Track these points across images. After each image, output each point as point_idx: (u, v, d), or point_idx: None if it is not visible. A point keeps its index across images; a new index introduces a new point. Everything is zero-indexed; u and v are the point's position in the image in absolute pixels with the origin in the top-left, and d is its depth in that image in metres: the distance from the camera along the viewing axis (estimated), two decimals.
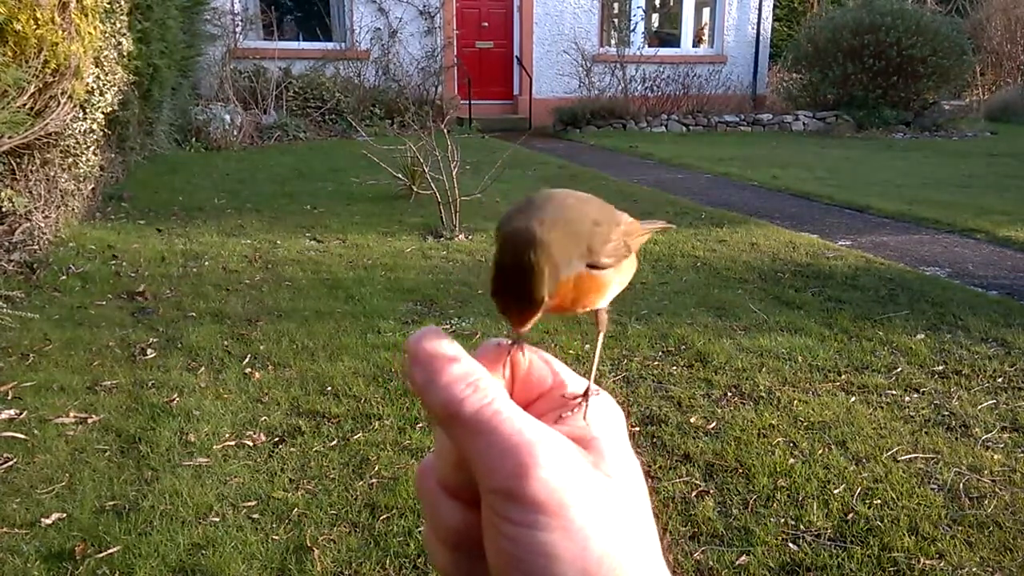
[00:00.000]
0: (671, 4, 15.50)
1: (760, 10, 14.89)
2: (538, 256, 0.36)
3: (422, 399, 0.34)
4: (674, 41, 15.04)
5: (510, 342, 0.38)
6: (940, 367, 3.12)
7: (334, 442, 2.49)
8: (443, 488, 0.35)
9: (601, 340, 0.47)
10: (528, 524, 0.31)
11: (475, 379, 0.33)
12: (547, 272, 0.36)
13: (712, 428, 2.61)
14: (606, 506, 0.33)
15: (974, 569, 1.90)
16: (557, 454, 0.32)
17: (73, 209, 5.04)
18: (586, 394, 0.38)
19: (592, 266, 0.40)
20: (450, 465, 0.35)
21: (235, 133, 9.92)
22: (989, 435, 2.57)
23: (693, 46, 15.13)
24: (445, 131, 5.65)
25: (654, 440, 2.52)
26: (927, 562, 1.92)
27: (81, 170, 4.78)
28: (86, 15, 4.23)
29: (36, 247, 4.34)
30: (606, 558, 0.32)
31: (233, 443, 2.48)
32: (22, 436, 2.48)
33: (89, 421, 2.60)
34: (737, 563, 1.92)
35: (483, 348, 0.39)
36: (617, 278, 0.42)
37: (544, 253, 0.36)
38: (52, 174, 4.47)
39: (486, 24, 13.84)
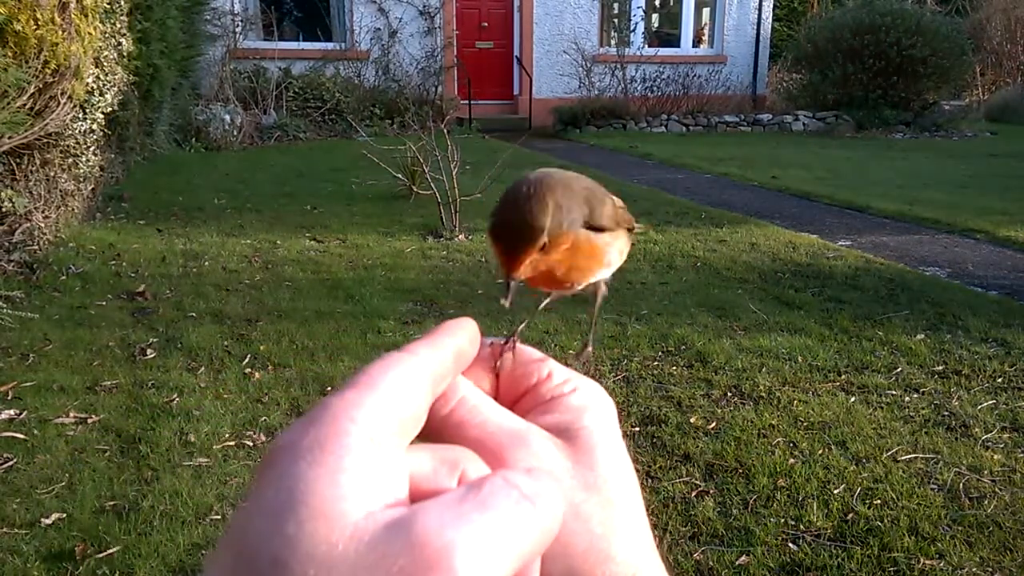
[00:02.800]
0: (671, 4, 15.50)
1: (760, 10, 14.89)
2: (544, 194, 0.38)
3: None
4: (674, 41, 15.04)
5: (501, 341, 0.38)
6: (940, 367, 3.12)
7: None
8: None
9: (599, 304, 0.47)
10: None
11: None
12: (551, 210, 0.38)
13: (712, 428, 2.61)
14: (587, 500, 0.32)
15: (974, 569, 1.90)
16: (530, 455, 0.32)
17: (73, 209, 5.03)
18: (585, 346, 0.38)
19: (591, 227, 0.41)
20: None
21: (235, 133, 9.92)
22: (989, 435, 2.57)
23: (693, 46, 15.13)
24: (445, 131, 5.66)
25: (654, 440, 2.52)
26: (927, 562, 1.92)
27: (81, 170, 4.78)
28: (86, 15, 4.23)
29: (36, 247, 4.34)
30: (591, 552, 0.32)
31: (233, 443, 2.48)
32: (22, 436, 2.48)
33: (89, 421, 2.60)
34: (737, 563, 1.92)
35: None
36: (615, 245, 0.43)
37: (551, 195, 0.38)
38: (52, 174, 4.48)
39: (486, 24, 13.84)
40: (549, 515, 0.25)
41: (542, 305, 0.47)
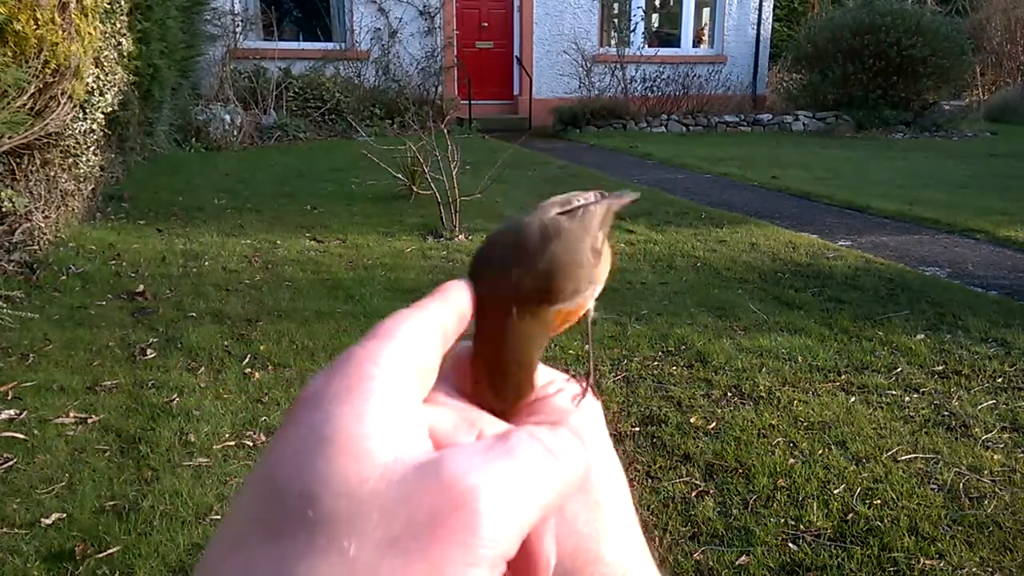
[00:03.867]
0: (671, 4, 15.50)
1: (760, 10, 14.88)
2: (578, 255, 0.33)
3: None
4: (674, 41, 15.04)
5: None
6: (940, 367, 3.12)
7: None
8: None
9: (590, 324, 0.46)
10: None
11: None
12: (571, 275, 0.33)
13: (712, 428, 2.61)
14: (573, 502, 0.32)
15: (974, 569, 1.90)
16: None
17: (73, 209, 5.03)
18: (587, 375, 0.38)
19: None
20: None
21: (235, 133, 9.92)
22: (989, 435, 2.57)
23: (693, 46, 15.13)
24: (445, 131, 5.66)
25: (654, 440, 2.52)
26: (927, 562, 1.92)
27: (81, 170, 4.78)
28: (86, 15, 4.23)
29: (36, 247, 4.34)
30: (579, 552, 0.32)
31: (233, 443, 2.48)
32: (22, 436, 2.48)
33: (89, 421, 2.60)
34: (737, 563, 1.92)
35: (454, 353, 0.38)
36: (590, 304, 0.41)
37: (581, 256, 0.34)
38: (52, 174, 4.47)
39: (486, 24, 13.84)
40: (570, 470, 0.26)
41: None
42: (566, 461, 0.26)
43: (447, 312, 0.31)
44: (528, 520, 0.24)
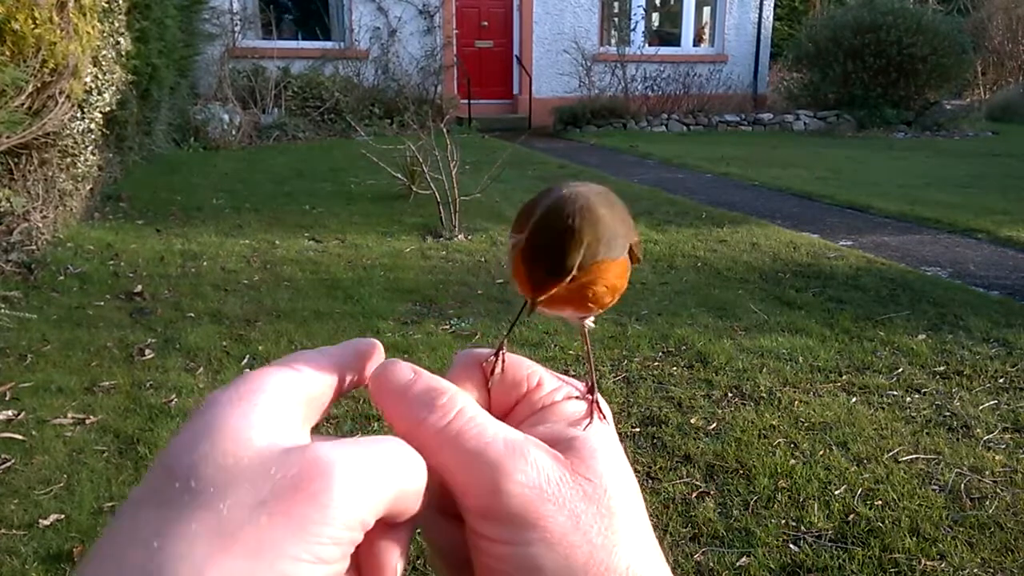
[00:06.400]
0: (671, 3, 15.49)
1: (761, 9, 14.88)
2: (582, 228, 0.36)
3: (391, 426, 0.34)
4: (674, 40, 15.03)
5: (489, 352, 0.38)
6: (941, 367, 3.11)
7: None
8: (436, 508, 0.35)
9: (588, 339, 0.47)
10: (507, 540, 0.31)
11: (435, 398, 0.33)
12: (585, 245, 0.36)
13: (713, 429, 2.60)
14: (586, 511, 0.32)
15: (975, 570, 1.89)
16: (528, 466, 0.32)
17: (71, 209, 5.02)
18: (592, 390, 0.38)
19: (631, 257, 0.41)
20: (436, 484, 0.34)
21: (234, 133, 9.91)
22: (990, 436, 2.56)
23: (694, 45, 15.12)
24: (444, 130, 5.64)
25: (655, 441, 2.51)
26: (928, 563, 1.91)
27: (79, 170, 4.77)
28: (84, 14, 4.22)
29: (34, 247, 4.33)
30: (592, 563, 0.31)
31: None
32: (20, 437, 2.47)
33: (87, 422, 2.59)
34: (738, 564, 1.92)
35: (458, 360, 0.38)
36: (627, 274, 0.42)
37: (589, 229, 0.37)
38: (50, 174, 4.46)
39: (486, 23, 13.83)
40: (417, 457, 0.31)
41: (514, 324, 0.47)
42: (410, 449, 0.31)
43: (344, 352, 0.35)
44: (376, 492, 0.28)
